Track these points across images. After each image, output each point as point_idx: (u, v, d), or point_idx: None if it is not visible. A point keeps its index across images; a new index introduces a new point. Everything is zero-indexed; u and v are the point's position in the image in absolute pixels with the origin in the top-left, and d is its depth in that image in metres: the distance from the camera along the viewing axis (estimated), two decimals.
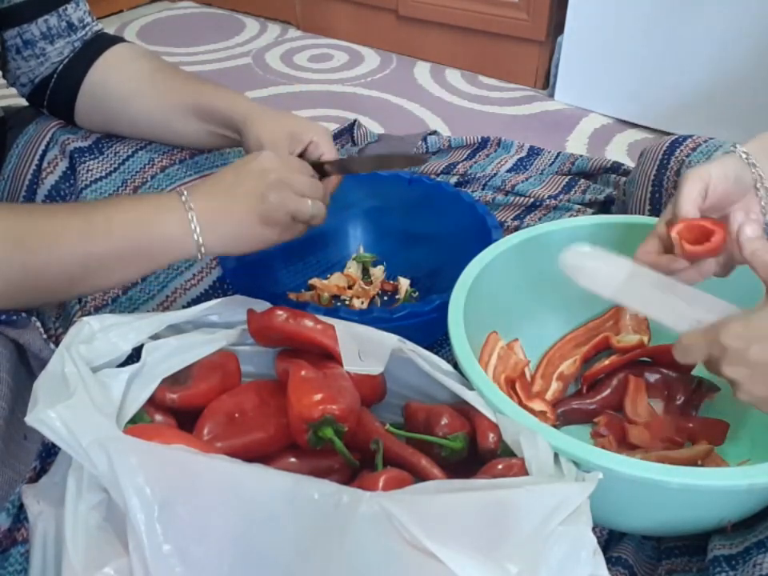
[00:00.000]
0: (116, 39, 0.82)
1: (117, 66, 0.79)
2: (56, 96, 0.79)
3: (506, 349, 0.73)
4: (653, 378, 0.74)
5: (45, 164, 0.79)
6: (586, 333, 0.79)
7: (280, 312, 0.60)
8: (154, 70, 0.80)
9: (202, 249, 0.58)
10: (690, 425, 0.70)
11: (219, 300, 0.62)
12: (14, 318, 0.56)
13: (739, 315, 0.52)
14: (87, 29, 0.79)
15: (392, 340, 0.59)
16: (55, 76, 0.78)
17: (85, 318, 0.54)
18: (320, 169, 0.69)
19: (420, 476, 0.54)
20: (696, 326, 0.54)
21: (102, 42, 0.80)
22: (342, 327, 0.60)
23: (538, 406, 0.70)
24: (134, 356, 0.55)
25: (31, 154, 0.79)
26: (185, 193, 0.58)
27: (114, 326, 0.55)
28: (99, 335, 0.54)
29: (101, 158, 0.80)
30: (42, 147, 0.80)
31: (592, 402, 0.74)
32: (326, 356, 0.59)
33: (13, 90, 0.81)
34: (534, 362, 0.78)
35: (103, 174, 0.79)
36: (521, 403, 0.68)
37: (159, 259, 0.59)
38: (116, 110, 0.79)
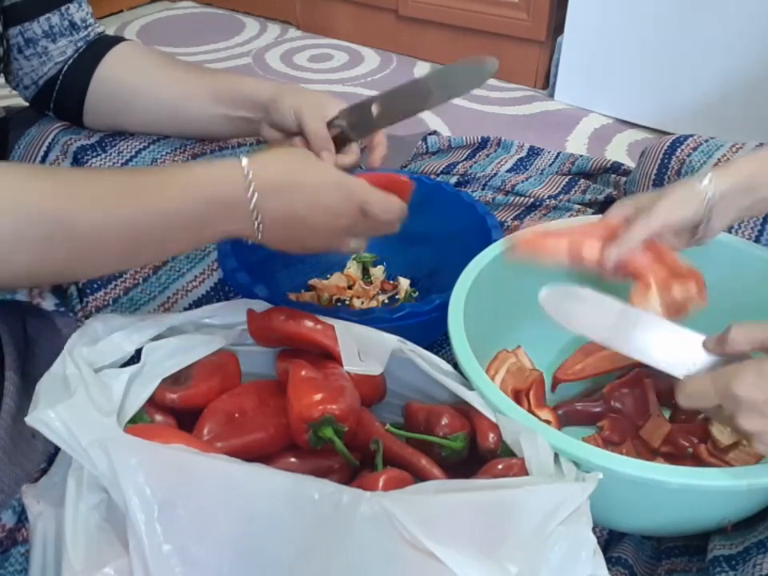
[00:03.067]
0: (120, 39, 0.82)
1: (126, 60, 0.79)
2: (63, 96, 0.79)
3: (517, 363, 0.73)
4: (659, 383, 0.74)
5: (46, 165, 0.79)
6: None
7: (280, 312, 0.60)
8: (166, 61, 0.81)
9: (260, 236, 0.55)
10: (694, 429, 0.69)
11: (221, 304, 0.62)
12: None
13: (749, 362, 0.50)
14: (90, 29, 0.79)
15: (392, 340, 0.59)
16: (61, 77, 0.78)
17: (88, 320, 0.55)
18: (344, 136, 0.70)
19: (420, 476, 0.54)
20: (693, 370, 0.53)
21: (106, 41, 0.80)
22: (341, 327, 0.60)
23: (544, 415, 0.69)
24: (135, 356, 0.55)
25: (33, 155, 0.79)
26: (252, 186, 0.52)
27: (118, 328, 0.55)
28: (103, 337, 0.54)
29: (104, 156, 0.80)
30: (44, 149, 0.79)
31: (596, 404, 0.73)
32: (325, 356, 0.60)
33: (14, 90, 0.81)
34: (535, 362, 0.77)
35: None
36: (529, 410, 0.68)
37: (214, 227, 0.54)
38: (127, 101, 0.79)
